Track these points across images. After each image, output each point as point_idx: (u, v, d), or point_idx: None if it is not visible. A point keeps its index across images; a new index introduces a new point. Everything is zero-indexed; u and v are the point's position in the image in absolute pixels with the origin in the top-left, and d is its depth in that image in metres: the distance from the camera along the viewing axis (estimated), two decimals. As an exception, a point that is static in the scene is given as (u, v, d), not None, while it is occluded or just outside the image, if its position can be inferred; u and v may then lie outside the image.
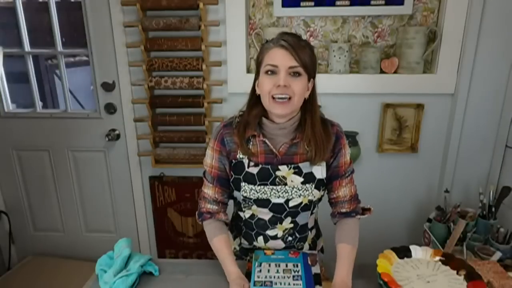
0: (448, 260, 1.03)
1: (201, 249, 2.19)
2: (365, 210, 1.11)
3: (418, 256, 1.06)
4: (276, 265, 1.05)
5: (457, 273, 0.98)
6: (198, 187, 2.04)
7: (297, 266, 1.04)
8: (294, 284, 0.97)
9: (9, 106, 2.09)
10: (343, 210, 1.08)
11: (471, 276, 0.95)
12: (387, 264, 1.02)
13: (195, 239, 2.17)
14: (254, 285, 0.97)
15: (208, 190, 1.09)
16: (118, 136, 2.04)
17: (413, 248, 1.07)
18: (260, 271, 1.02)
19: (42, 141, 2.10)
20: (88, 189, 2.18)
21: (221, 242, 1.05)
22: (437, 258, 1.05)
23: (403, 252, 1.07)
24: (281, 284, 0.98)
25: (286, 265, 1.05)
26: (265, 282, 0.98)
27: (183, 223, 2.14)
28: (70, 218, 2.25)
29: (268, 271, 1.03)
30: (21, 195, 2.22)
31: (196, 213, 1.13)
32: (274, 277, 1.00)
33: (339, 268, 0.98)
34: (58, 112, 2.07)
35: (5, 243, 2.29)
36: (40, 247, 2.31)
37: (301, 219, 1.09)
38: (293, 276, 1.00)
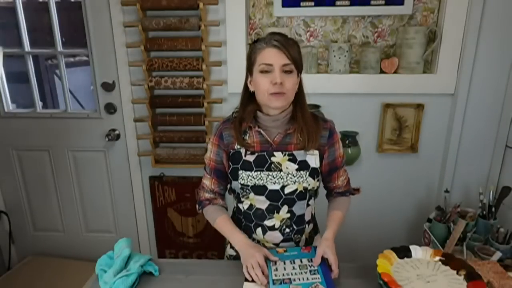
0: (448, 260, 1.03)
1: (201, 249, 2.19)
2: (355, 190, 1.26)
3: (418, 256, 1.06)
4: (291, 262, 1.06)
5: (457, 273, 0.98)
6: (198, 187, 2.04)
7: (311, 260, 1.05)
8: (312, 278, 0.98)
9: (9, 106, 2.09)
10: (339, 191, 1.21)
11: (471, 276, 0.95)
12: (387, 264, 1.02)
13: (195, 239, 2.17)
14: (274, 283, 0.97)
15: (207, 181, 1.19)
16: (118, 136, 2.04)
17: (413, 248, 1.08)
18: (277, 269, 1.03)
19: (42, 141, 2.10)
20: (88, 189, 2.18)
21: (224, 220, 1.13)
22: (437, 258, 1.05)
23: (403, 252, 1.07)
24: (300, 280, 0.98)
25: (301, 261, 1.06)
26: (283, 280, 0.98)
27: (183, 223, 2.14)
28: (70, 218, 2.25)
29: (284, 268, 1.03)
30: (21, 195, 2.22)
31: (196, 203, 1.22)
32: (292, 273, 1.01)
33: (330, 228, 1.10)
34: (58, 112, 2.07)
35: (5, 243, 2.29)
36: (40, 247, 2.31)
37: (298, 208, 1.12)
38: (310, 271, 1.01)
